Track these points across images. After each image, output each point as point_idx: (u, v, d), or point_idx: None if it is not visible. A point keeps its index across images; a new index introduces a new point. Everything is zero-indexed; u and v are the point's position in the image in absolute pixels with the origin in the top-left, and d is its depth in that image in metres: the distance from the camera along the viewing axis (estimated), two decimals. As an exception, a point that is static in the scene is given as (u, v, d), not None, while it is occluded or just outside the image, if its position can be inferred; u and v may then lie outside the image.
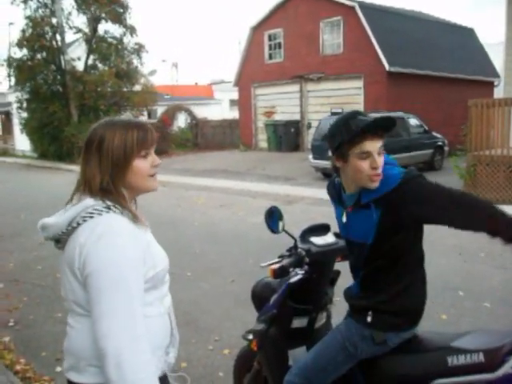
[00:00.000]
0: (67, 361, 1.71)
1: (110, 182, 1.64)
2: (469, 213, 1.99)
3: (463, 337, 2.15)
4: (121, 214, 1.62)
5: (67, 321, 1.71)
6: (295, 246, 2.56)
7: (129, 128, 1.68)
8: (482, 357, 2.04)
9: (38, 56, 25.84)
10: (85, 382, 1.65)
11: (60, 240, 1.66)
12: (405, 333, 2.18)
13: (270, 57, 24.78)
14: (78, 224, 1.59)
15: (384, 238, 2.09)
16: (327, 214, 9.67)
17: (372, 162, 2.02)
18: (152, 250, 1.67)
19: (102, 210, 1.59)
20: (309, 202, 11.66)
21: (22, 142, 33.86)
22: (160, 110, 30.61)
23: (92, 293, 1.53)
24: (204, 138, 29.55)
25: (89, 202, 1.61)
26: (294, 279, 2.53)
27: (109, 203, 1.61)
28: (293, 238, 2.58)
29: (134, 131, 1.68)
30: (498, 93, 23.34)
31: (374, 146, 2.03)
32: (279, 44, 24.18)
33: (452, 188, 2.03)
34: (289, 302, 2.57)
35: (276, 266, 2.42)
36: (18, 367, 4.00)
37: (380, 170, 2.05)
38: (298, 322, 2.60)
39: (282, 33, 23.83)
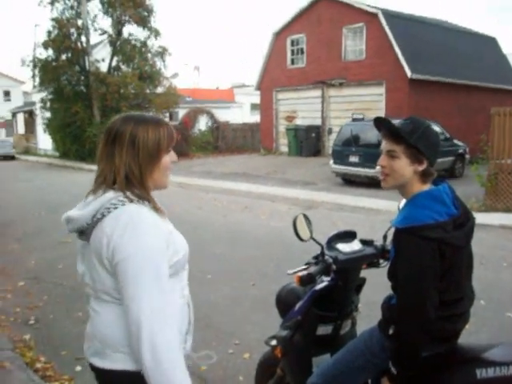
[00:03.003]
0: (91, 346, 1.76)
1: (139, 175, 1.70)
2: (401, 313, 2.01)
3: (492, 349, 2.10)
4: (142, 204, 1.68)
5: (91, 306, 1.76)
6: (322, 254, 2.52)
7: (159, 125, 1.76)
8: (511, 370, 2.00)
9: (63, 57, 26.25)
10: (109, 368, 1.70)
11: (84, 232, 1.71)
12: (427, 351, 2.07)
13: (292, 62, 24.77)
14: (103, 215, 1.64)
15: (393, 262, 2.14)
16: (347, 219, 9.73)
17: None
18: (174, 237, 1.73)
19: (124, 201, 1.65)
20: (328, 207, 11.61)
21: (44, 141, 34.44)
22: (181, 113, 30.85)
23: (122, 279, 1.59)
24: (225, 141, 29.67)
25: (110, 194, 1.67)
26: (319, 286, 2.50)
27: (129, 194, 1.67)
28: (320, 245, 2.55)
29: (165, 128, 1.76)
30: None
31: (383, 145, 2.13)
32: (301, 49, 24.16)
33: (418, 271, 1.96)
34: (314, 309, 2.54)
35: (303, 274, 2.39)
36: (38, 365, 4.02)
37: (384, 170, 2.12)
38: (323, 329, 2.57)
39: (304, 38, 23.81)
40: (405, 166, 2.06)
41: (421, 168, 2.06)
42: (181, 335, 1.76)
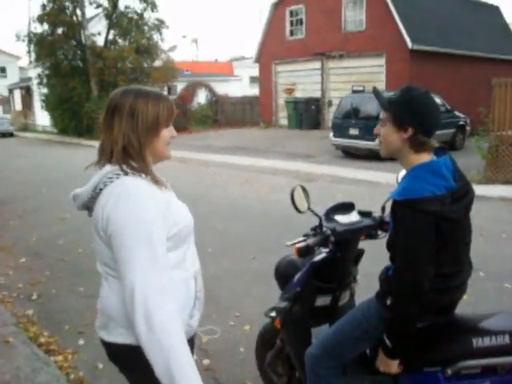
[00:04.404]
0: (99, 320, 1.80)
1: (138, 147, 1.71)
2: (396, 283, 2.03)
3: (488, 318, 2.13)
4: (138, 176, 1.68)
5: (101, 282, 1.79)
6: (320, 225, 2.51)
7: (160, 99, 1.76)
8: (507, 339, 2.03)
9: (59, 31, 25.93)
10: (112, 341, 1.74)
11: (89, 207, 1.75)
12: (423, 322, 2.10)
13: (292, 33, 24.47)
14: (101, 189, 1.68)
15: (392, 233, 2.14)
16: (347, 191, 9.73)
17: None
18: (172, 209, 1.72)
19: (119, 174, 1.67)
20: (328, 180, 11.61)
21: (42, 117, 34.21)
22: (180, 86, 30.61)
23: (116, 250, 1.61)
24: (224, 114, 29.48)
25: (108, 168, 1.69)
26: (318, 258, 2.52)
27: (125, 168, 1.68)
28: (318, 216, 2.55)
29: (165, 102, 1.77)
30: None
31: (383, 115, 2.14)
32: (300, 20, 23.84)
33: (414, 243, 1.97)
34: (313, 281, 2.55)
35: (301, 245, 2.39)
36: (41, 340, 4.07)
37: (379, 138, 2.15)
38: (322, 300, 2.59)
39: (303, 9, 23.47)
40: (390, 133, 2.08)
41: (406, 136, 2.03)
42: (184, 310, 1.75)
